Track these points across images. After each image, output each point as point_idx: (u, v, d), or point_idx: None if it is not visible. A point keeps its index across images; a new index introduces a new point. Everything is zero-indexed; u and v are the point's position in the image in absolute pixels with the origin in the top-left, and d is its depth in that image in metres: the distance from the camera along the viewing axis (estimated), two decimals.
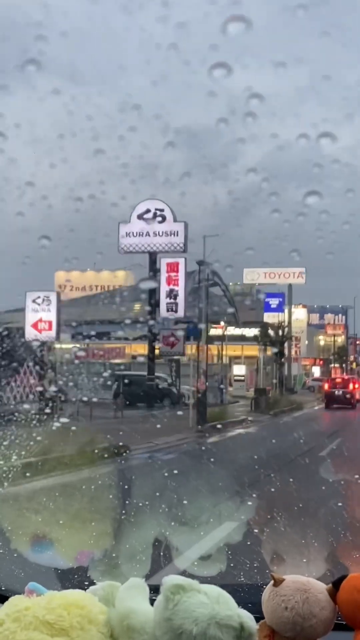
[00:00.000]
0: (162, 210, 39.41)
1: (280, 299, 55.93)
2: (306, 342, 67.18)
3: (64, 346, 43.60)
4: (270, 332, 47.68)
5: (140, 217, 39.48)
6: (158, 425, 23.40)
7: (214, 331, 44.57)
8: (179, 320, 38.59)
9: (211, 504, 8.54)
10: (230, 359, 49.28)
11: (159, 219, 39.30)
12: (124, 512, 7.68)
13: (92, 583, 1.99)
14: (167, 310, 38.29)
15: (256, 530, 6.73)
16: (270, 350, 46.97)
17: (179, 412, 29.09)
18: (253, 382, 46.01)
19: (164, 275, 38.63)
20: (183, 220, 38.84)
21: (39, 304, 31.66)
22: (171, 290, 38.49)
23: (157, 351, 37.70)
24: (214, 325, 44.57)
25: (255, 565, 4.87)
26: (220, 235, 40.87)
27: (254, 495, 10.25)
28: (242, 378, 47.34)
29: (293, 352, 57.07)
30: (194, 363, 31.57)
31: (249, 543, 6.00)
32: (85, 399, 26.59)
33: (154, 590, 1.91)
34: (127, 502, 8.46)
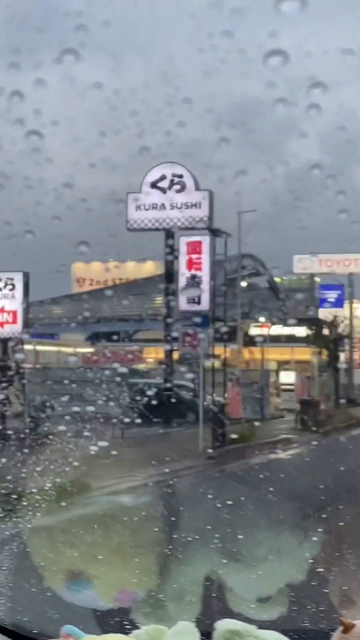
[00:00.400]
0: (180, 176, 32.02)
1: (340, 292, 48.45)
2: None
3: (79, 350, 37.78)
4: (326, 331, 39.93)
5: (153, 185, 32.04)
6: (157, 450, 20.46)
7: (255, 330, 37.67)
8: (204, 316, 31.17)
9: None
10: (278, 363, 43.28)
11: (177, 187, 31.81)
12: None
13: (135, 627, 2.05)
14: (188, 302, 31.22)
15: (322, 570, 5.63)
16: (327, 354, 39.49)
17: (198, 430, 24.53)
18: (304, 391, 38.72)
19: (183, 258, 31.60)
20: (207, 189, 31.32)
21: (0, 289, 24.33)
22: (192, 277, 31.45)
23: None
24: (256, 323, 37.52)
25: (321, 608, 4.34)
26: (257, 211, 33.64)
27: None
28: (292, 387, 40.08)
29: (356, 356, 49.42)
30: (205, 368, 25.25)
31: (314, 583, 5.04)
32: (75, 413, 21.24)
33: (206, 635, 1.92)
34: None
